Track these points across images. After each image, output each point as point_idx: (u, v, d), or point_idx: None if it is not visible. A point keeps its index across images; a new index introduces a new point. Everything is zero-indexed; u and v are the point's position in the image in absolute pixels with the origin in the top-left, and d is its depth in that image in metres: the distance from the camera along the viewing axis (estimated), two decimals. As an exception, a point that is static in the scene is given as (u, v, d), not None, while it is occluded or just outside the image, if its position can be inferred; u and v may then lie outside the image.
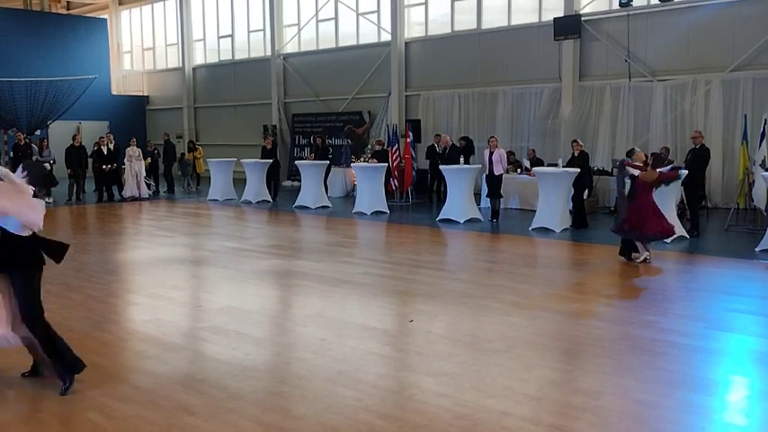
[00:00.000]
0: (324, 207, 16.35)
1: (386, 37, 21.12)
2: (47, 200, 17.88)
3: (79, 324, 6.55)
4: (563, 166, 12.96)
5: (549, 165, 14.75)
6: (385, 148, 17.20)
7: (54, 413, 4.45)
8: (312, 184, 16.54)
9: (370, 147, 19.06)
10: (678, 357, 5.57)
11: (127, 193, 18.70)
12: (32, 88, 22.64)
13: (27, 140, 18.94)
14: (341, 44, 22.78)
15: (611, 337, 6.12)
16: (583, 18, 16.99)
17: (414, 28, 20.87)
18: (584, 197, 13.09)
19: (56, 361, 4.78)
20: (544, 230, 12.19)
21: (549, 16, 17.52)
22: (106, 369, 5.31)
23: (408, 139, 17.20)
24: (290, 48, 24.34)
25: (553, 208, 12.34)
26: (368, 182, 15.23)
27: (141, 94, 30.55)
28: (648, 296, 7.99)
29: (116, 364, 5.53)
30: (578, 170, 12.37)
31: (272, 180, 18.47)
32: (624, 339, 6.02)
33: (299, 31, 23.89)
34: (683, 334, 6.17)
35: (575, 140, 13.25)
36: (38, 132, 22.32)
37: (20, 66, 24.53)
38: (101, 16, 31.12)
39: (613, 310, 7.12)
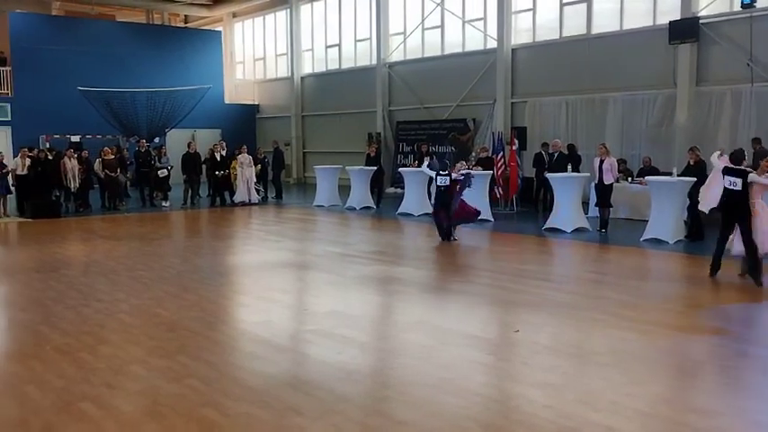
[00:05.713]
0: (427, 214, 16.33)
1: (492, 44, 20.94)
2: (163, 204, 18.89)
3: (194, 323, 6.86)
4: (677, 176, 12.44)
5: (662, 173, 14.19)
6: (490, 155, 17.06)
7: (172, 407, 4.68)
8: (415, 191, 16.60)
9: (474, 154, 18.94)
10: (804, 379, 5.23)
11: (238, 198, 19.37)
12: (152, 98, 23.90)
13: (147, 147, 20.04)
14: (446, 52, 22.79)
15: (728, 354, 5.82)
16: (701, 21, 16.25)
17: (521, 34, 20.58)
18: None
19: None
20: (656, 242, 11.73)
21: (663, 20, 16.85)
22: (219, 368, 5.53)
23: (514, 147, 16.99)
24: (396, 56, 24.57)
25: (667, 218, 11.87)
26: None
27: (252, 102, 31.65)
28: (770, 313, 7.55)
29: (228, 363, 5.75)
30: (695, 179, 11.82)
31: (376, 187, 18.69)
32: (742, 357, 5.72)
33: (405, 39, 24.08)
34: (810, 355, 5.80)
35: (694, 147, 12.66)
36: (156, 140, 23.54)
37: (141, 77, 25.98)
38: (216, 29, 32.53)
39: (730, 326, 6.77)
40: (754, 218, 8.41)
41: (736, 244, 8.65)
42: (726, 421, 4.43)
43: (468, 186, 12.40)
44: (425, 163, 13.36)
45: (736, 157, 8.69)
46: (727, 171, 8.63)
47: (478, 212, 12.87)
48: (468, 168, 12.58)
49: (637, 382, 5.11)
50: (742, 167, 8.55)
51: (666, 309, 7.43)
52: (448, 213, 12.12)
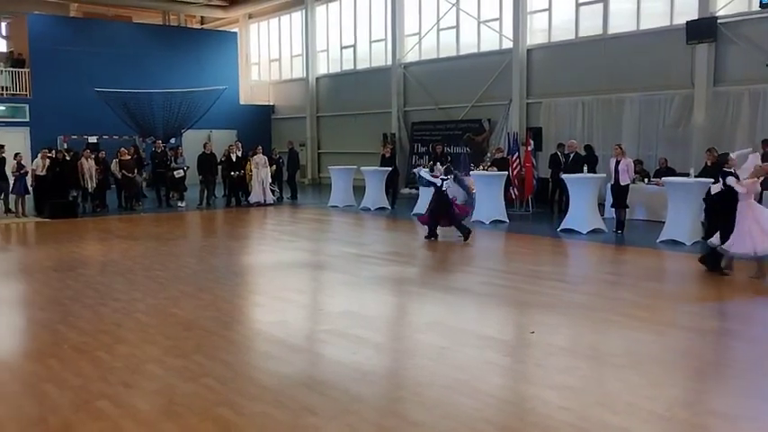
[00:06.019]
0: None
1: (507, 44, 20.88)
2: (179, 204, 18.99)
3: (209, 323, 6.89)
4: (695, 177, 12.35)
5: (679, 174, 14.09)
6: (505, 156, 17.01)
7: (188, 406, 4.71)
8: (430, 192, 16.49)
9: (489, 155, 18.90)
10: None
11: (253, 198, 19.43)
12: (168, 99, 24.03)
13: (163, 148, 20.16)
14: (461, 52, 22.75)
15: (746, 357, 5.77)
16: (719, 21, 16.11)
17: (536, 35, 20.51)
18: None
19: None
20: (673, 243, 11.65)
21: (681, 20, 16.73)
22: (234, 367, 5.56)
23: (529, 148, 16.93)
24: (411, 57, 24.57)
25: (683, 220, 11.78)
26: (487, 190, 15.10)
27: (267, 103, 31.75)
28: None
29: (243, 362, 5.77)
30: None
31: (391, 188, 18.69)
32: (762, 360, 5.66)
33: (420, 39, 24.07)
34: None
35: (712, 148, 12.54)
36: (173, 141, 23.66)
37: (157, 78, 26.15)
38: (231, 30, 32.67)
39: (749, 328, 6.70)
40: (739, 217, 8.75)
41: (737, 243, 8.78)
42: (744, 425, 4.39)
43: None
44: (422, 170, 13.77)
45: (719, 160, 9.38)
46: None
47: (469, 210, 14.25)
48: (449, 172, 13.08)
49: (654, 384, 5.08)
50: (727, 170, 9.06)
51: (682, 310, 7.38)
52: (450, 215, 12.53)
